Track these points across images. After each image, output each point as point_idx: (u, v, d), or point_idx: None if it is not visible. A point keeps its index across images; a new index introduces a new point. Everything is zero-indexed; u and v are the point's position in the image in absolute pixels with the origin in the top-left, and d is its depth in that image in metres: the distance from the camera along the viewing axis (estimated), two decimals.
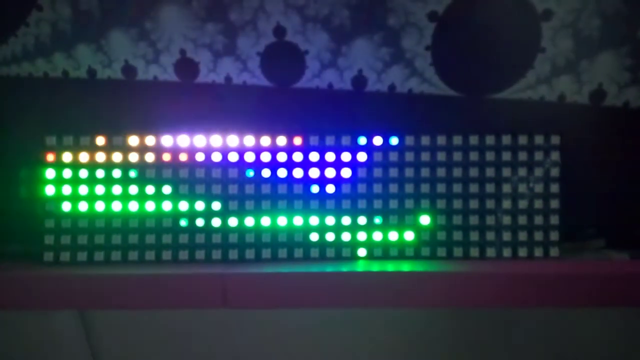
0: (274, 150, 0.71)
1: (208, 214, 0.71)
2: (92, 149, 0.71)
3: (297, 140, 0.71)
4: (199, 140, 0.71)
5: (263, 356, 0.78)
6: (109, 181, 0.71)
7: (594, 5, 0.74)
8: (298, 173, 0.71)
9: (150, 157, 0.71)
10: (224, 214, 0.71)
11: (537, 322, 0.76)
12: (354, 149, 0.71)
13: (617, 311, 0.74)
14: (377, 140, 0.71)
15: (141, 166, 0.71)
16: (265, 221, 0.71)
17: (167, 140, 0.71)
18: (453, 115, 0.76)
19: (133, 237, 0.70)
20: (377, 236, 0.71)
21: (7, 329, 0.75)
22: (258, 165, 0.71)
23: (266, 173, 0.71)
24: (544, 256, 0.71)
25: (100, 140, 0.71)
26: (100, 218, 0.70)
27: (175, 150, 0.71)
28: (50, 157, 0.71)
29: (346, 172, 0.71)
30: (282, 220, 0.71)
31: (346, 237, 0.71)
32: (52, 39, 0.77)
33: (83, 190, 0.71)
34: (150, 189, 0.71)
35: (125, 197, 0.71)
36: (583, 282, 0.65)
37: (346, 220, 0.71)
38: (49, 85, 0.77)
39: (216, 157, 0.71)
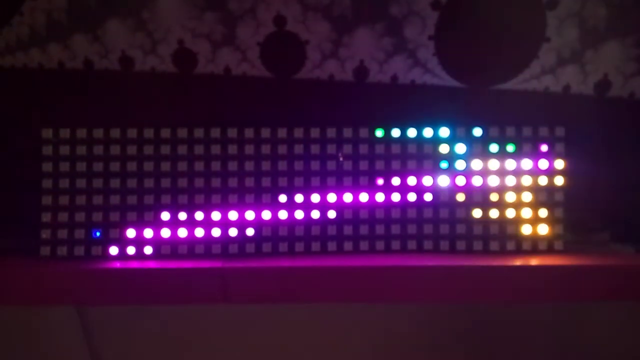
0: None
1: (208, 209, 0.70)
2: (90, 142, 0.70)
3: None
4: (199, 133, 0.70)
5: (263, 351, 0.77)
6: (106, 174, 0.70)
7: None
8: (299, 165, 0.70)
9: (149, 150, 0.70)
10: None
11: (540, 316, 0.75)
12: (355, 142, 0.70)
13: (621, 304, 0.73)
14: (380, 132, 0.70)
15: (139, 159, 0.70)
16: (266, 215, 0.70)
17: (165, 132, 0.70)
18: (456, 106, 0.75)
19: (131, 231, 0.69)
20: (379, 229, 0.70)
21: (2, 326, 0.74)
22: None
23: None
24: (547, 249, 0.70)
25: (98, 133, 0.70)
26: (97, 211, 0.69)
27: (174, 143, 0.70)
28: (46, 150, 0.69)
29: (348, 165, 0.70)
30: (282, 214, 0.70)
31: (348, 230, 0.70)
32: (47, 29, 0.76)
33: (80, 183, 0.69)
34: (148, 182, 0.70)
35: (122, 191, 0.69)
36: (587, 275, 0.64)
37: (348, 214, 0.70)
38: (44, 76, 0.76)
39: (215, 149, 0.70)
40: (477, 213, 0.71)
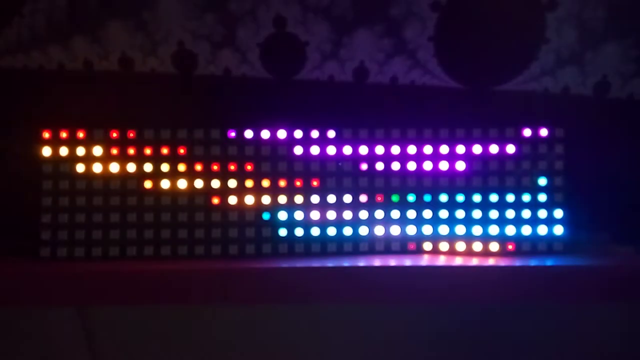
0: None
1: (207, 210, 0.70)
2: (89, 142, 0.70)
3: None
4: (199, 134, 0.70)
5: (264, 351, 0.77)
6: (106, 175, 0.70)
7: None
8: (299, 167, 0.70)
9: (149, 151, 0.70)
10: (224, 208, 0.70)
11: (540, 317, 0.75)
12: (355, 142, 0.71)
13: (621, 305, 0.73)
14: (379, 134, 0.71)
15: (139, 160, 0.70)
16: (266, 215, 0.70)
17: (165, 134, 0.70)
18: (456, 107, 0.75)
19: (131, 232, 0.69)
20: (379, 230, 0.70)
21: (2, 326, 0.74)
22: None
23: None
24: (547, 250, 0.70)
25: (98, 134, 0.70)
26: (97, 212, 0.69)
27: (174, 144, 0.70)
28: (46, 151, 0.70)
29: (347, 166, 0.71)
30: (282, 215, 0.70)
31: (348, 231, 0.70)
32: (47, 30, 0.76)
33: (80, 184, 0.69)
34: (148, 183, 0.70)
35: (123, 192, 0.70)
36: (587, 276, 0.64)
37: (347, 215, 0.70)
38: (45, 77, 0.76)
39: (215, 150, 0.70)
40: (476, 213, 0.71)
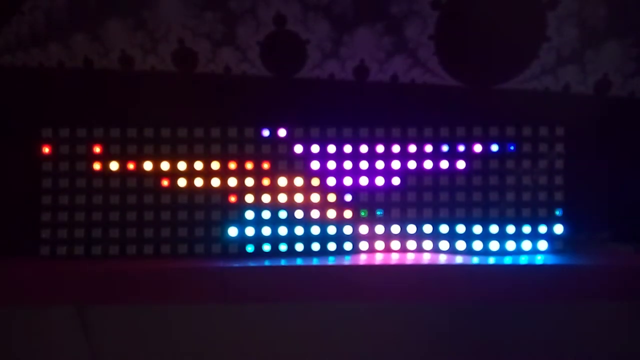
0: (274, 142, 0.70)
1: (208, 208, 0.70)
2: (89, 141, 0.70)
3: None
4: (199, 132, 0.70)
5: (263, 351, 0.77)
6: (106, 174, 0.70)
7: None
8: (299, 165, 0.70)
9: (149, 149, 0.70)
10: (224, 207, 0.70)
11: (540, 316, 0.75)
12: (356, 141, 0.70)
13: (621, 305, 0.73)
14: (380, 132, 0.70)
15: (139, 158, 0.70)
16: (266, 214, 0.70)
17: (165, 132, 0.70)
18: (456, 106, 0.75)
19: (131, 230, 0.69)
20: (379, 229, 0.70)
21: (2, 325, 0.74)
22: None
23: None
24: (547, 249, 0.70)
25: (98, 132, 0.70)
26: (97, 211, 0.69)
27: (174, 143, 0.70)
28: (46, 150, 0.69)
29: (348, 165, 0.70)
30: (283, 214, 0.70)
31: (348, 230, 0.70)
32: (47, 28, 0.75)
33: (80, 183, 0.69)
34: (148, 182, 0.70)
35: (123, 190, 0.69)
36: (587, 275, 0.64)
37: (347, 214, 0.70)
38: (44, 75, 0.76)
39: (215, 149, 0.70)
40: (477, 213, 0.70)
